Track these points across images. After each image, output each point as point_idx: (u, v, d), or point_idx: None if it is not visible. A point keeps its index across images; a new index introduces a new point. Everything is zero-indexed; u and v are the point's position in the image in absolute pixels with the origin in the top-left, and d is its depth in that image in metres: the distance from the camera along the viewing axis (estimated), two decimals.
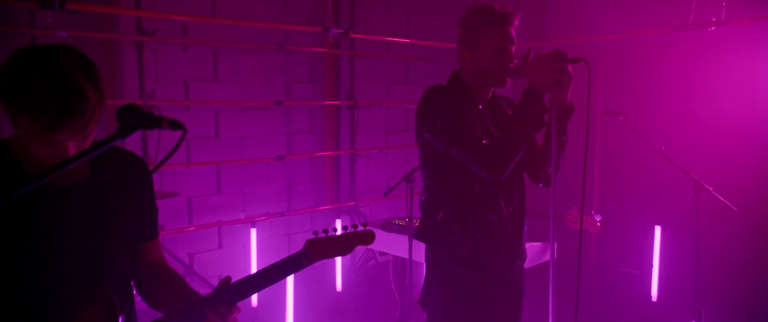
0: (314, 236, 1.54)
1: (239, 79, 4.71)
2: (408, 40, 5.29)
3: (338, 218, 4.38)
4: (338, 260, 4.30)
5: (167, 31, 4.20)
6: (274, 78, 4.95)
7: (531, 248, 3.18)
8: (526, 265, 3.29)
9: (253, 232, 3.89)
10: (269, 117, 4.95)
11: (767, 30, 4.06)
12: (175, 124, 1.15)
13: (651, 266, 4.30)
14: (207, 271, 4.61)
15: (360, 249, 5.08)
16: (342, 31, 3.95)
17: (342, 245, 1.52)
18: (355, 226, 1.55)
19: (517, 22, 1.96)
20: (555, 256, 1.97)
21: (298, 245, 5.20)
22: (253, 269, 3.95)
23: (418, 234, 2.07)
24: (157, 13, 3.96)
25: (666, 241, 4.27)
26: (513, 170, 1.90)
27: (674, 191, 4.54)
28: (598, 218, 3.27)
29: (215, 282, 4.68)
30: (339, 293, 4.60)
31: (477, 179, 1.94)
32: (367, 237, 1.54)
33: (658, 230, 4.11)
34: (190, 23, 4.31)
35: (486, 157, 1.82)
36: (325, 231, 1.54)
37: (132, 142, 4.02)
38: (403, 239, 3.51)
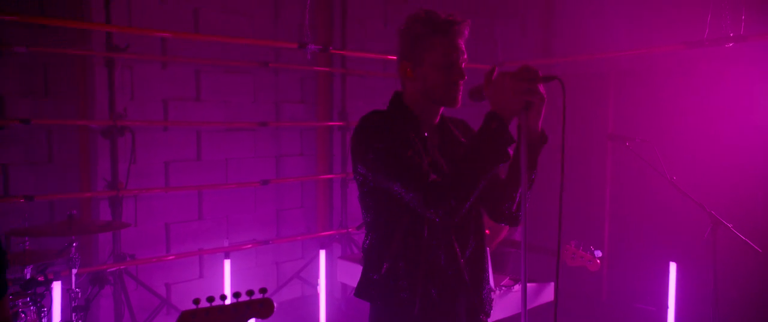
0: (194, 306, 1.21)
1: (224, 98, 4.47)
2: None
3: (323, 248, 4.07)
4: (322, 291, 3.98)
5: (145, 48, 3.98)
6: (263, 97, 4.70)
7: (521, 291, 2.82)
8: (518, 309, 2.95)
9: (227, 263, 3.60)
10: (257, 138, 4.69)
11: None
12: None
13: (666, 305, 3.89)
14: (186, 303, 4.31)
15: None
16: (321, 47, 3.67)
17: (228, 321, 1.18)
18: (250, 292, 1.23)
19: (466, 32, 1.65)
20: (526, 307, 1.64)
21: (287, 275, 4.91)
22: None
23: (359, 291, 1.74)
24: (133, 28, 3.74)
25: (683, 277, 3.86)
26: (468, 209, 1.58)
27: (691, 224, 4.13)
28: (598, 254, 2.91)
29: None
30: None
31: (426, 221, 1.63)
32: (264, 309, 1.21)
33: (673, 267, 3.71)
34: (170, 39, 4.10)
35: (434, 197, 1.50)
36: (211, 299, 1.21)
37: (102, 166, 3.80)
38: None
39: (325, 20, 4.70)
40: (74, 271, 2.44)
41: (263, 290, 1.22)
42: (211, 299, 1.20)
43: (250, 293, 1.21)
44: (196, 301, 1.20)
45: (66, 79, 3.79)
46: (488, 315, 1.79)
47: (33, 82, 3.70)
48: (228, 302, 1.20)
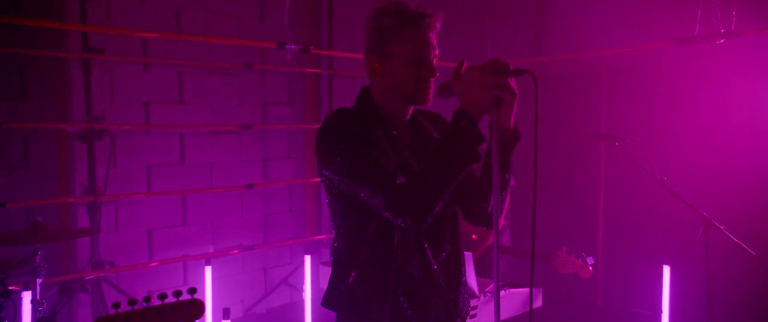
0: (114, 311, 1.11)
1: (208, 100, 4.38)
2: None
3: (310, 253, 3.97)
4: (308, 298, 3.88)
5: (125, 49, 3.90)
6: (249, 99, 4.61)
7: (508, 296, 2.72)
8: (508, 314, 2.85)
9: (208, 270, 3.50)
10: (243, 142, 4.60)
11: None
12: None
13: (660, 309, 3.80)
14: None
15: None
16: (300, 46, 3.59)
17: None
18: (177, 293, 1.14)
19: (438, 25, 1.56)
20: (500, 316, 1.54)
21: (275, 281, 4.81)
22: (209, 313, 3.56)
23: (326, 301, 1.65)
24: (111, 28, 3.65)
25: (677, 281, 3.77)
26: (439, 212, 1.48)
27: (684, 226, 4.04)
28: (590, 261, 2.82)
29: None
30: None
31: (396, 226, 1.53)
32: (193, 311, 1.12)
33: (666, 270, 3.61)
34: (151, 41, 4.01)
35: (400, 202, 1.41)
36: (133, 302, 1.12)
37: (80, 170, 3.70)
38: None
39: (311, 21, 4.62)
40: (39, 281, 2.35)
41: (192, 291, 1.13)
42: (133, 302, 1.10)
43: (177, 293, 1.11)
44: (116, 305, 1.10)
45: (43, 81, 3.70)
46: (465, 320, 1.70)
47: (9, 85, 3.61)
48: (152, 304, 1.10)
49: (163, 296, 1.13)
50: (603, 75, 4.84)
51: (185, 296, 1.14)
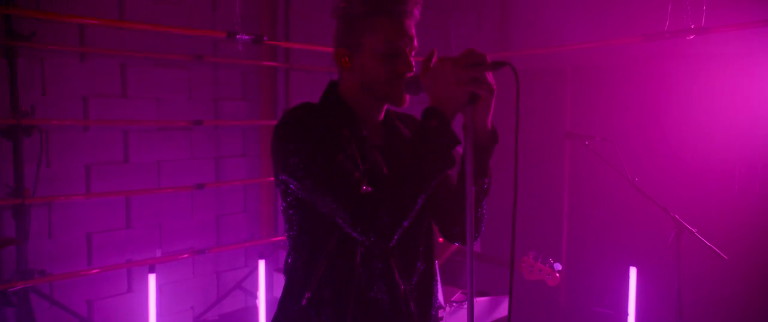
0: None
1: (154, 94, 4.07)
2: None
3: (264, 257, 3.73)
4: (262, 305, 3.64)
5: (58, 37, 3.56)
6: (199, 94, 4.32)
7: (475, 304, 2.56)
8: None
9: (152, 278, 3.22)
10: (193, 138, 4.31)
11: (755, 38, 3.56)
12: None
13: (626, 311, 3.73)
14: (111, 320, 3.91)
15: None
16: (253, 37, 3.34)
17: None
18: None
19: (417, 13, 1.36)
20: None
21: (228, 285, 4.55)
22: None
23: None
24: (40, 12, 3.31)
25: (643, 281, 3.71)
26: (411, 227, 1.29)
27: (651, 228, 3.98)
28: (557, 267, 2.69)
29: None
30: None
31: (360, 242, 1.34)
32: None
33: (633, 271, 3.54)
34: (90, 28, 3.68)
35: (364, 215, 1.21)
36: None
37: (6, 170, 3.35)
38: None
39: (267, 11, 4.36)
40: None
41: None
42: None
43: None
44: None
45: None
46: None
47: None
48: None
49: None
50: (568, 72, 4.75)
51: None
